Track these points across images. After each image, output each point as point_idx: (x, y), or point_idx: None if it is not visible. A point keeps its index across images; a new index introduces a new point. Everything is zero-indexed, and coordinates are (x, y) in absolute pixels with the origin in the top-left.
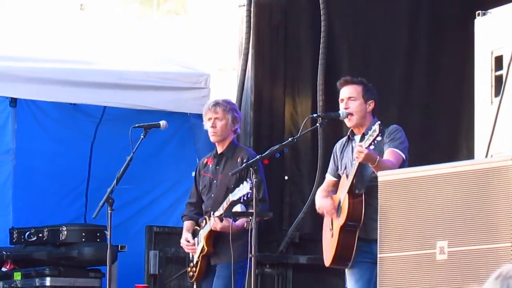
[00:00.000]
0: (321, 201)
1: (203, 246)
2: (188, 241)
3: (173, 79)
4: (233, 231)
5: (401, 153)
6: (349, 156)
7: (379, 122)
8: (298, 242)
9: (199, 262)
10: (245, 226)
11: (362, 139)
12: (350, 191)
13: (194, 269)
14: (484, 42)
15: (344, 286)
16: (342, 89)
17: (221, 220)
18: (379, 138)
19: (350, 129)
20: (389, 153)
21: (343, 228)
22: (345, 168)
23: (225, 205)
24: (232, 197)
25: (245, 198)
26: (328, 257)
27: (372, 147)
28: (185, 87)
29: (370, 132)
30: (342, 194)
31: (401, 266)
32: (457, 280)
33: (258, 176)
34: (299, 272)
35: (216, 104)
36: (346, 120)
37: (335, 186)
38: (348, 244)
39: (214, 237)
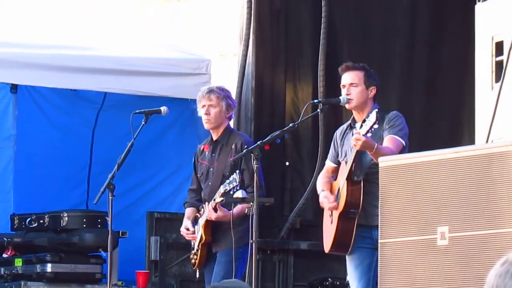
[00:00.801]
0: (321, 194)
1: (202, 235)
2: (188, 229)
3: (174, 65)
4: (232, 218)
5: (400, 139)
6: (349, 144)
7: (377, 109)
8: (299, 228)
9: (199, 250)
10: (246, 212)
11: (362, 125)
12: (349, 178)
13: (195, 256)
14: (484, 27)
15: (345, 272)
16: (343, 75)
17: (216, 211)
18: (376, 126)
19: (352, 116)
20: (388, 140)
21: (341, 215)
22: (345, 155)
23: (217, 196)
24: (223, 188)
25: (235, 190)
26: (327, 243)
27: (369, 134)
28: (186, 73)
29: (368, 120)
30: (342, 181)
31: (402, 252)
32: (458, 265)
33: (251, 164)
34: (300, 258)
35: (210, 91)
36: (347, 105)
37: (335, 172)
38: (347, 231)
39: (212, 226)
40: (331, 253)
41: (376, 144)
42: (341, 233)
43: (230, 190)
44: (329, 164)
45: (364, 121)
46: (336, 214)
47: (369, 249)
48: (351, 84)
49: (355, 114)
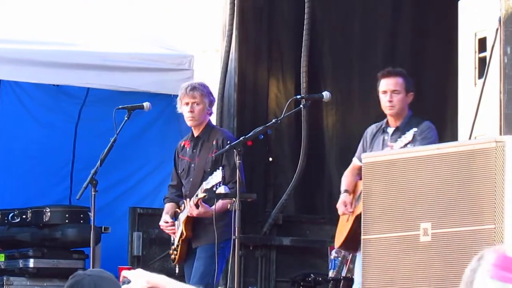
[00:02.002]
0: (342, 195)
1: (182, 231)
2: (167, 222)
3: (156, 60)
4: (210, 215)
5: None
6: (378, 148)
7: (416, 129)
8: (281, 224)
9: (179, 246)
10: (228, 207)
11: (395, 131)
12: None
13: (175, 252)
14: (467, 24)
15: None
16: (385, 80)
17: (197, 207)
18: (410, 145)
19: (385, 120)
20: None
21: (358, 217)
22: None
23: (199, 192)
24: (206, 185)
25: (217, 186)
26: (339, 240)
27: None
28: (168, 68)
29: (404, 137)
30: None
31: (385, 248)
32: (440, 261)
33: (232, 159)
34: (283, 254)
35: (193, 88)
36: (387, 110)
37: (361, 170)
38: (360, 233)
39: (193, 221)
40: (341, 249)
41: None
42: (354, 234)
43: (212, 186)
44: (356, 162)
45: (398, 127)
46: (353, 214)
47: None
48: (394, 91)
49: (389, 118)
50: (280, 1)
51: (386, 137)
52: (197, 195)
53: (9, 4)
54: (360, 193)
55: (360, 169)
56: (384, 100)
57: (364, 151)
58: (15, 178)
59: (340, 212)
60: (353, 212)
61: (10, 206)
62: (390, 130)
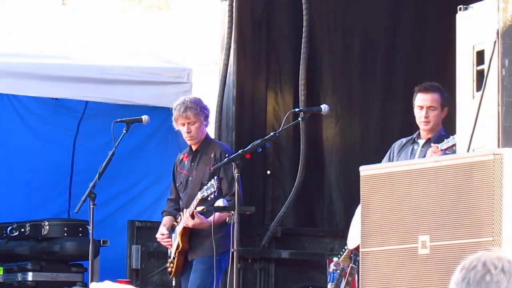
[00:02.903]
0: None
1: (178, 243)
2: (163, 234)
3: (155, 73)
4: (210, 226)
5: None
6: (406, 156)
7: (454, 139)
8: (280, 237)
9: (176, 258)
10: (227, 220)
11: (426, 143)
12: None
13: (171, 265)
14: (465, 36)
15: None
16: (422, 95)
17: (193, 218)
18: (454, 148)
19: (417, 132)
20: None
21: None
22: None
23: (195, 202)
24: (201, 194)
25: (212, 196)
26: (355, 241)
27: (448, 152)
28: (167, 81)
29: (450, 139)
30: None
31: (383, 261)
32: (439, 274)
33: (230, 172)
34: (281, 267)
35: (186, 108)
36: (421, 124)
37: None
38: None
39: (189, 233)
40: (355, 251)
41: None
42: None
43: (207, 196)
44: None
45: (430, 139)
46: None
47: None
48: (430, 107)
49: (422, 131)
50: (278, 14)
51: (416, 147)
52: (195, 207)
53: (8, 18)
54: None
55: None
56: (419, 114)
57: (390, 161)
58: (13, 191)
59: None
60: None
61: (8, 219)
62: (421, 141)
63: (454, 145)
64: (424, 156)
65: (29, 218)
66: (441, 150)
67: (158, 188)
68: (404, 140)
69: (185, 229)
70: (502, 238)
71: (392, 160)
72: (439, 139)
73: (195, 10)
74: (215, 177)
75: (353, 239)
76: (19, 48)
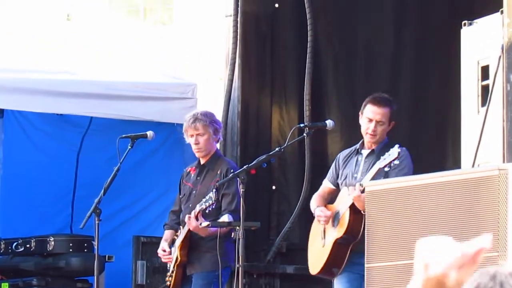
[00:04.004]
0: (318, 209)
1: (177, 256)
2: (164, 251)
3: (160, 89)
4: (207, 234)
5: None
6: (351, 168)
7: (399, 148)
8: (285, 252)
9: (174, 272)
10: (232, 235)
11: (370, 154)
12: (353, 206)
13: (170, 278)
14: (470, 52)
15: None
16: (373, 108)
17: (197, 219)
18: (396, 162)
19: (361, 141)
20: None
21: (337, 241)
22: (345, 177)
23: (193, 215)
24: (199, 207)
25: (210, 209)
26: (316, 266)
27: (387, 169)
28: (172, 97)
29: (388, 154)
30: (342, 207)
31: (389, 276)
32: None
33: (233, 188)
34: (286, 282)
35: (196, 119)
36: (367, 136)
37: (331, 194)
38: (340, 257)
39: (188, 247)
40: (318, 276)
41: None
42: (333, 259)
43: (206, 208)
44: (327, 184)
45: (373, 150)
46: (332, 239)
47: (357, 275)
48: (379, 121)
49: (366, 142)
50: (283, 29)
51: (360, 158)
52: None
53: (13, 33)
54: (336, 216)
55: (330, 192)
56: (367, 126)
57: (335, 173)
58: (17, 207)
59: (323, 221)
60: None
61: (12, 234)
62: (365, 152)
63: (395, 158)
64: (368, 168)
65: (32, 233)
66: (379, 168)
67: (162, 203)
68: (347, 151)
69: (184, 242)
70: (507, 253)
71: (338, 172)
72: (382, 150)
73: (199, 25)
74: (213, 190)
75: (311, 264)
76: (23, 63)
